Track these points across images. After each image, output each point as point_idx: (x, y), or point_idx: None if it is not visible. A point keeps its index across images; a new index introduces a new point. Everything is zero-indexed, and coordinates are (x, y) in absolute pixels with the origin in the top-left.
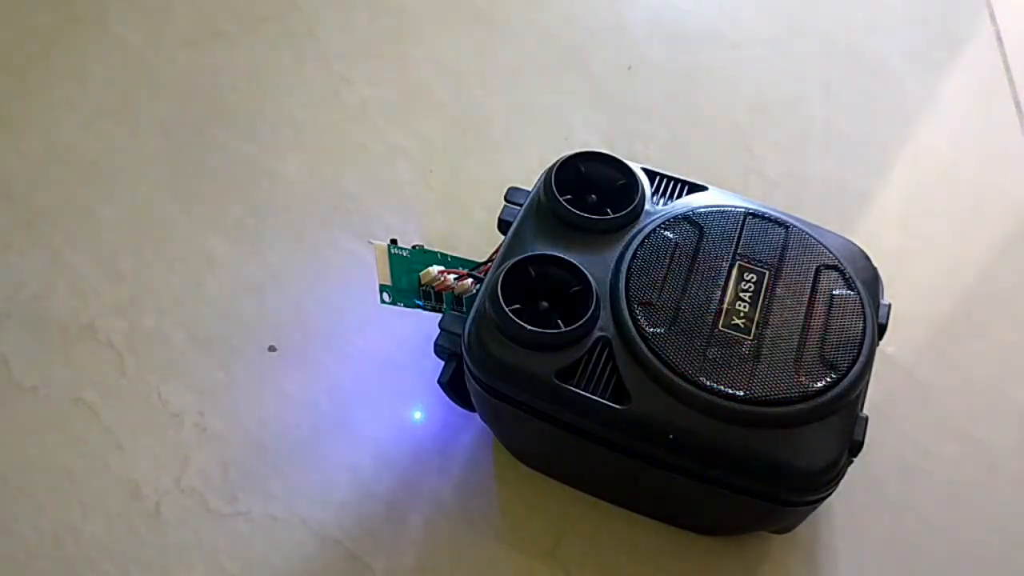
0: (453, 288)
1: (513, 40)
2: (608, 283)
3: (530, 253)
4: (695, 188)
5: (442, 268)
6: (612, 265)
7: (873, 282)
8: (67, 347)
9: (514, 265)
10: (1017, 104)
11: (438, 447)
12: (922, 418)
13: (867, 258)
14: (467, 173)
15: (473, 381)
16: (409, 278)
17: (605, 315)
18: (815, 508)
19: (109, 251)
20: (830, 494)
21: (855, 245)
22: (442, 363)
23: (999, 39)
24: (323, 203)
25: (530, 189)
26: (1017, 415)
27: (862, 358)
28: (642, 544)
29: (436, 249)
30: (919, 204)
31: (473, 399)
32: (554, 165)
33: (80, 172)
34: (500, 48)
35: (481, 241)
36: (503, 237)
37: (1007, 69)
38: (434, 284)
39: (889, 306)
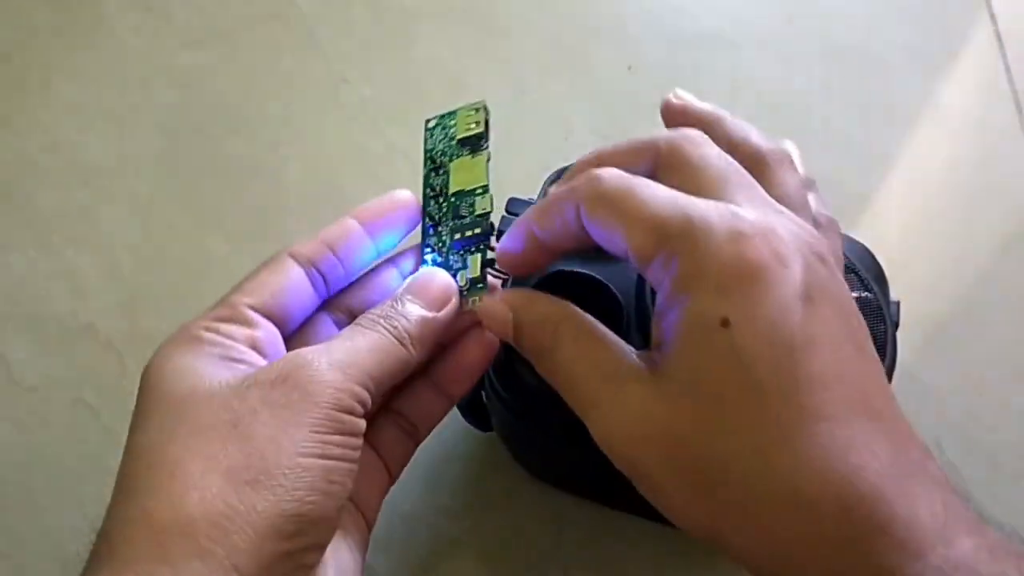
0: None
1: (513, 40)
2: (633, 297)
3: (552, 271)
4: None
5: None
6: (635, 278)
7: (882, 281)
8: (67, 347)
9: (537, 285)
10: (1017, 104)
11: (438, 447)
12: (922, 418)
13: (872, 256)
14: None
15: (500, 405)
16: None
17: (634, 331)
18: None
19: (109, 251)
20: None
21: (860, 244)
22: None
23: (999, 39)
24: (323, 203)
25: (528, 198)
26: (1018, 415)
27: (887, 360)
28: (642, 544)
29: None
30: (919, 204)
31: (496, 423)
32: (559, 173)
33: (80, 172)
34: (500, 48)
35: None
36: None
37: (1007, 69)
38: None
39: (898, 303)
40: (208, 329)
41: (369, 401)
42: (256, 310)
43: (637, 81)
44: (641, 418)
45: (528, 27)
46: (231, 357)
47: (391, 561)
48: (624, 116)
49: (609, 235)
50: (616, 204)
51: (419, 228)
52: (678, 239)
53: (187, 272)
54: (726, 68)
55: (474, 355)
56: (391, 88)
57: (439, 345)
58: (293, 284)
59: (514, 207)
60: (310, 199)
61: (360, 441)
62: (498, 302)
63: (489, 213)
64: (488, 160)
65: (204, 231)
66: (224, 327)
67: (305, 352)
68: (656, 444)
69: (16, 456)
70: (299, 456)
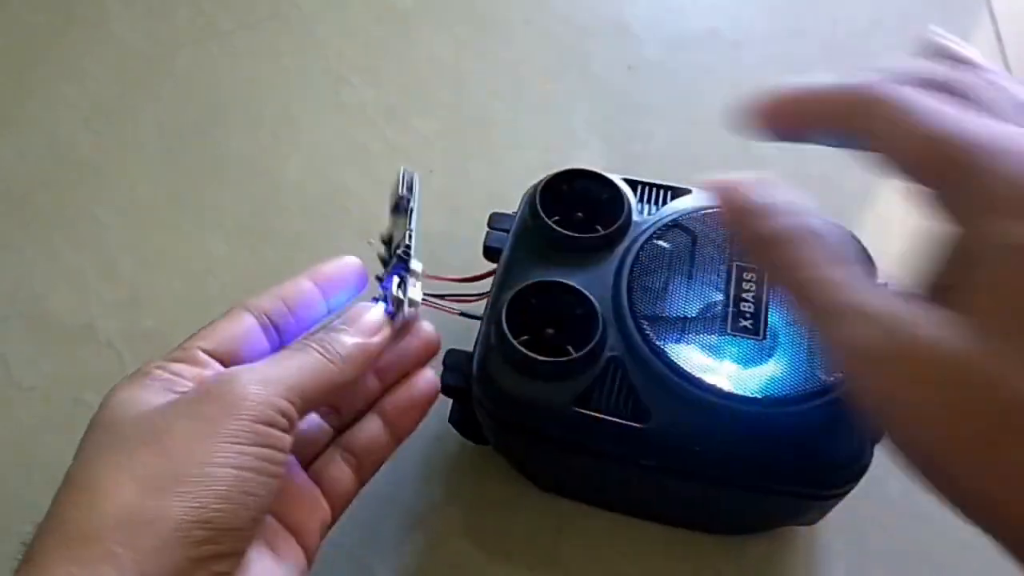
0: None
1: (513, 40)
2: (611, 301)
3: (529, 282)
4: (679, 192)
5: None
6: (611, 282)
7: (868, 264)
8: (67, 347)
9: (514, 296)
10: None
11: (437, 447)
12: None
13: (856, 240)
14: (467, 173)
15: (488, 418)
16: None
17: (612, 334)
18: (844, 497)
19: (109, 251)
20: (858, 482)
21: (841, 228)
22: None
23: (999, 39)
24: (323, 203)
25: (512, 212)
26: None
27: None
28: (642, 544)
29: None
30: (919, 204)
31: (488, 434)
32: (536, 188)
33: (80, 172)
34: (500, 48)
35: (480, 241)
36: (487, 262)
37: (1007, 69)
38: None
39: (886, 285)
40: (159, 368)
41: (295, 415)
42: (208, 353)
43: (637, 81)
44: (935, 362)
45: (528, 27)
46: (174, 389)
47: (389, 564)
48: (624, 116)
49: (886, 145)
50: (898, 115)
51: (366, 290)
52: (966, 160)
53: (187, 272)
54: (726, 68)
55: (420, 389)
56: (391, 88)
57: (398, 372)
58: (245, 331)
59: (497, 222)
60: (310, 199)
61: (284, 456)
62: None
63: (409, 250)
64: (411, 215)
65: (204, 231)
66: (174, 366)
67: (231, 369)
68: (953, 390)
69: (16, 456)
70: (210, 465)
